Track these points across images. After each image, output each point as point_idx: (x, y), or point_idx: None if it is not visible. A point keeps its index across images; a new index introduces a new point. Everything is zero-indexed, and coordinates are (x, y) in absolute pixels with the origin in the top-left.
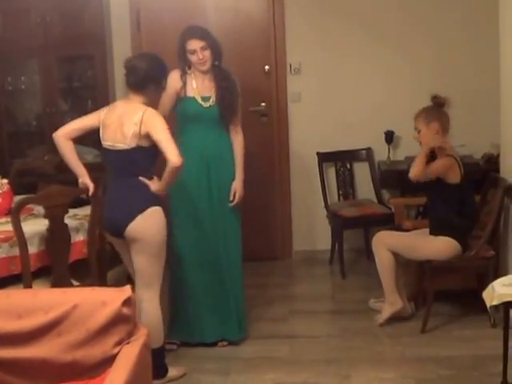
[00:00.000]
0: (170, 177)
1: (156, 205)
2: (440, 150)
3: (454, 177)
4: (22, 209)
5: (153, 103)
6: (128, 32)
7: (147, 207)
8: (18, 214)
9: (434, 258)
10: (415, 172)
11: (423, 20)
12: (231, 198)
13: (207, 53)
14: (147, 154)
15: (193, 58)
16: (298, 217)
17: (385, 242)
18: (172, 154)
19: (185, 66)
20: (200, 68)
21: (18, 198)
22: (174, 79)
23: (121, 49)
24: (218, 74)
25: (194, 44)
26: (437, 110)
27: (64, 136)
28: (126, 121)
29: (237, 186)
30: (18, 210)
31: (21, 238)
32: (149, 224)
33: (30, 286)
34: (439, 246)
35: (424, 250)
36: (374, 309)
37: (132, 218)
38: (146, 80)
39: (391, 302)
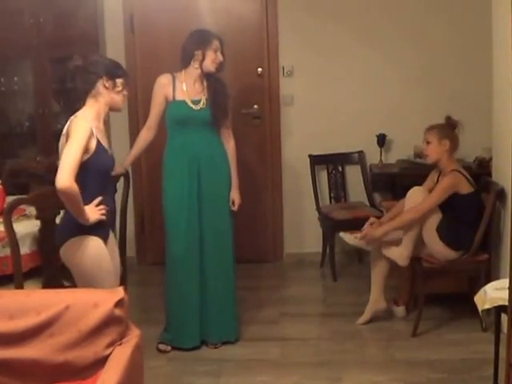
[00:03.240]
0: (65, 203)
1: (83, 233)
2: (443, 169)
3: (466, 188)
4: (13, 209)
5: (114, 105)
6: (121, 33)
7: (71, 236)
8: (10, 215)
9: (435, 255)
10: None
11: (414, 25)
12: (231, 208)
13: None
14: (80, 171)
15: (212, 55)
16: (290, 219)
17: (416, 200)
18: (58, 175)
19: (187, 62)
20: (211, 68)
21: (10, 199)
22: (162, 84)
23: (114, 50)
24: (210, 77)
25: (219, 45)
26: (450, 129)
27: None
28: (63, 132)
29: (234, 194)
30: (10, 211)
31: (12, 239)
32: (70, 253)
33: (22, 287)
34: (441, 249)
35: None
36: (346, 241)
37: (60, 244)
38: (95, 78)
39: (375, 300)
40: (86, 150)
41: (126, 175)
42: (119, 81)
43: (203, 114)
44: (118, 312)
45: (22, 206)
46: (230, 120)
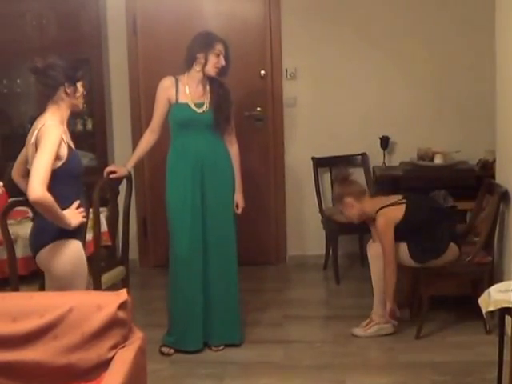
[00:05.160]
0: (42, 213)
1: (64, 237)
2: (371, 216)
3: (398, 212)
4: (9, 212)
5: (76, 108)
6: (124, 35)
7: (51, 241)
8: (6, 217)
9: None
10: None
11: (419, 26)
12: (235, 211)
13: (224, 62)
14: (55, 178)
15: (214, 60)
16: (293, 222)
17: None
18: (30, 186)
19: (190, 65)
20: (211, 72)
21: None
22: (165, 86)
23: (117, 52)
24: (214, 81)
25: (222, 49)
26: (342, 186)
27: (17, 176)
28: (29, 140)
29: (238, 198)
30: (6, 213)
31: (8, 242)
32: (50, 258)
33: (17, 290)
34: None
35: None
36: (363, 335)
37: (37, 250)
38: (56, 84)
39: (381, 315)
40: (58, 157)
41: (128, 177)
42: (79, 84)
43: (206, 117)
44: (121, 314)
45: (25, 209)
46: (233, 126)
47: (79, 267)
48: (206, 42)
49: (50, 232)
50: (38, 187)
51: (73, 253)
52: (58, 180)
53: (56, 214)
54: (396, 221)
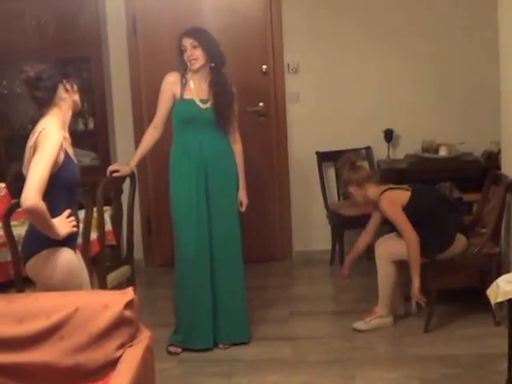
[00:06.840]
0: (32, 221)
1: (56, 245)
2: (375, 201)
3: (403, 196)
4: (11, 214)
5: (76, 106)
6: (124, 34)
7: (42, 249)
8: (9, 219)
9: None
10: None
11: (423, 17)
12: (239, 209)
13: (197, 51)
14: (48, 184)
15: (184, 56)
16: (298, 217)
17: (390, 254)
18: (24, 194)
19: (181, 65)
20: (190, 66)
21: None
22: (170, 82)
23: (117, 51)
24: (215, 78)
25: (186, 41)
26: (351, 172)
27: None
28: (28, 143)
29: (242, 195)
30: (9, 215)
31: (12, 243)
32: (40, 267)
33: (22, 291)
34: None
35: None
36: (363, 329)
37: (27, 259)
38: (55, 84)
39: (383, 315)
40: (54, 163)
41: (132, 176)
42: (73, 79)
43: (210, 113)
44: (128, 313)
45: None
46: (237, 125)
47: (72, 278)
48: (177, 43)
49: (39, 240)
50: (31, 195)
51: (64, 262)
52: (50, 187)
53: (47, 224)
54: (402, 203)
